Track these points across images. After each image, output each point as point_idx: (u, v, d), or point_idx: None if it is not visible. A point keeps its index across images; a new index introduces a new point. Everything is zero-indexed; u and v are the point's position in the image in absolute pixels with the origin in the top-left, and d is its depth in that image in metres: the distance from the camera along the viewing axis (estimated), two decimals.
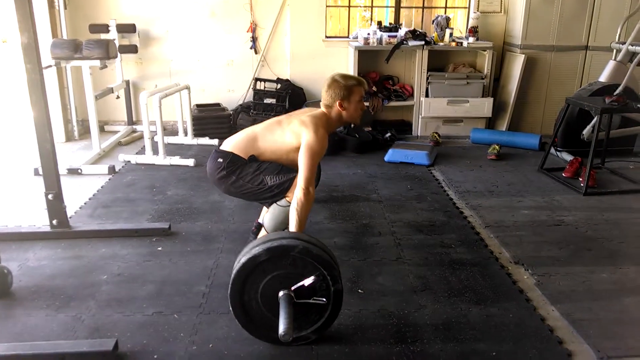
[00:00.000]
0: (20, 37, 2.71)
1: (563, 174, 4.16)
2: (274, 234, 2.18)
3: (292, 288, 2.03)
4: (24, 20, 2.69)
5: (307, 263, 2.03)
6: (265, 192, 2.54)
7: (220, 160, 2.59)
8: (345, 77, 2.67)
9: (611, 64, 4.55)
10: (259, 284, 2.04)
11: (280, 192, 2.52)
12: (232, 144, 2.64)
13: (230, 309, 2.08)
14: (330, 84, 2.64)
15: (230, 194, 2.73)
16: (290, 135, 2.54)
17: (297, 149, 2.47)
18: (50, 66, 4.35)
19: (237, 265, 2.06)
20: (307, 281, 2.02)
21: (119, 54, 4.97)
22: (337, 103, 2.62)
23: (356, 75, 5.07)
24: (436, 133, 5.21)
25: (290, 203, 2.43)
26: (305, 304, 2.06)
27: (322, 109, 2.69)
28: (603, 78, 4.57)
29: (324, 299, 2.07)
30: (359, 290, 2.54)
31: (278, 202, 2.55)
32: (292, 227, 2.30)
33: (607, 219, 3.43)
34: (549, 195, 3.82)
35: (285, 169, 2.56)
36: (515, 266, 2.81)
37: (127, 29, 5.15)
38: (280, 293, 2.03)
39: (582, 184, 3.87)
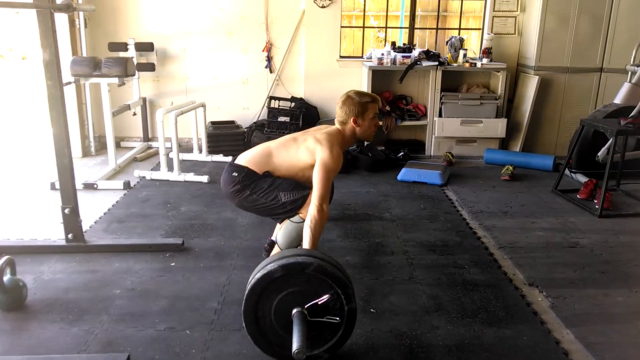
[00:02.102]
0: (42, 54, 2.78)
1: (578, 196, 4.13)
2: (289, 251, 2.18)
3: (306, 306, 2.03)
4: (46, 38, 2.76)
5: (322, 281, 2.02)
6: (279, 208, 2.55)
7: (235, 174, 2.61)
8: (359, 94, 2.69)
9: (626, 86, 4.54)
10: (273, 300, 2.04)
11: (294, 208, 2.53)
12: (247, 158, 2.66)
13: (244, 324, 2.07)
14: (344, 101, 2.66)
15: (242, 209, 2.74)
16: (305, 152, 2.56)
17: (312, 166, 2.49)
18: (69, 83, 4.44)
19: (251, 280, 2.06)
20: (321, 300, 2.02)
21: (136, 72, 5.06)
22: (352, 120, 2.64)
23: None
24: (449, 153, 5.20)
25: (303, 220, 2.44)
26: (319, 323, 2.05)
27: (337, 125, 2.71)
28: (618, 100, 4.55)
29: (338, 318, 2.06)
30: (371, 310, 2.53)
31: (291, 219, 2.56)
32: (306, 244, 2.30)
33: (622, 242, 3.39)
34: (563, 217, 3.79)
35: (300, 185, 2.57)
36: (530, 288, 2.79)
37: (145, 47, 5.25)
38: (294, 310, 2.03)
39: (597, 206, 3.84)
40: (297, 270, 2.02)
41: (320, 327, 2.08)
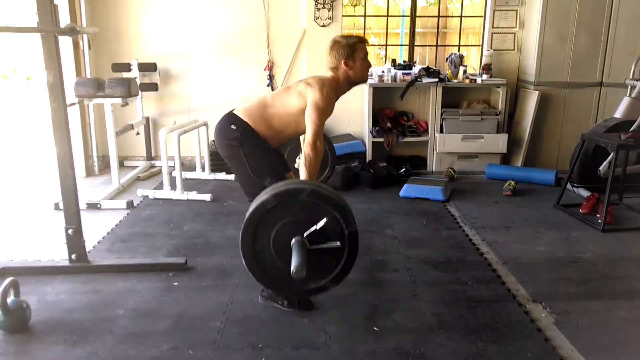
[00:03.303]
0: (47, 76, 2.82)
1: (580, 210, 4.13)
2: (280, 183, 2.15)
3: (305, 234, 1.98)
4: (50, 61, 2.80)
5: (318, 206, 1.97)
6: (257, 187, 2.49)
7: (234, 127, 2.60)
8: (346, 37, 2.71)
9: (626, 101, 4.56)
10: (270, 232, 1.99)
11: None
12: (247, 111, 2.66)
13: (243, 262, 2.02)
14: (332, 46, 2.65)
15: (226, 161, 2.74)
16: (297, 96, 2.56)
17: (304, 110, 2.49)
18: (73, 104, 4.48)
19: (246, 215, 2.02)
20: (319, 224, 1.96)
21: (140, 92, 5.11)
22: (342, 63, 2.62)
23: (371, 110, 5.17)
24: (451, 168, 5.22)
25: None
26: (321, 253, 1.99)
27: (329, 73, 2.69)
28: (618, 114, 4.57)
29: (339, 242, 2.00)
30: (375, 328, 2.52)
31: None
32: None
33: (625, 256, 3.38)
34: (566, 232, 3.78)
35: (287, 175, 2.60)
36: (533, 304, 2.78)
37: (148, 67, 5.31)
38: (293, 240, 1.98)
39: (599, 221, 3.84)
40: (290, 197, 1.96)
41: (322, 257, 2.02)
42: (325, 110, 2.49)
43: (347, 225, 2.00)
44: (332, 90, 2.59)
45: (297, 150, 2.66)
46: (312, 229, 1.97)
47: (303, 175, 2.34)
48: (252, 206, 2.02)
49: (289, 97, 2.62)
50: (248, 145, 2.59)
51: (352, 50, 2.62)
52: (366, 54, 2.69)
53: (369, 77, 2.77)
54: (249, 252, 2.00)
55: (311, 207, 1.98)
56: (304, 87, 2.57)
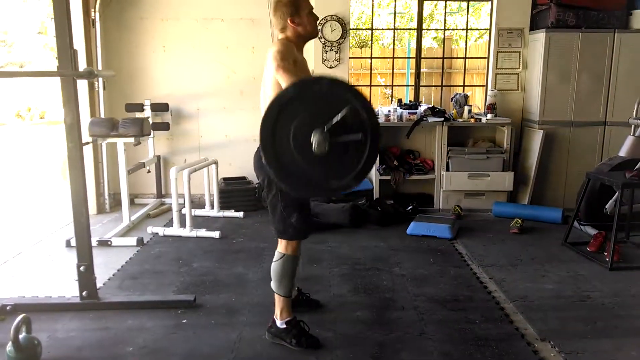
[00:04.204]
0: (64, 118, 2.92)
1: (587, 248, 4.13)
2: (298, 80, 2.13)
3: (325, 128, 1.92)
4: (68, 103, 2.91)
5: (338, 96, 1.92)
6: (283, 222, 2.60)
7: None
8: None
9: (630, 139, 4.61)
10: (289, 127, 1.94)
11: (283, 227, 2.61)
12: None
13: (264, 159, 1.99)
14: (275, 7, 2.61)
15: (263, 187, 2.75)
16: (266, 72, 2.53)
17: (277, 82, 2.41)
18: (88, 143, 4.59)
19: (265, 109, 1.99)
20: (340, 114, 1.91)
21: (152, 131, 5.23)
22: (289, 21, 2.58)
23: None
24: (458, 206, 5.25)
25: (281, 254, 2.60)
26: (342, 148, 1.95)
27: (279, 36, 2.65)
28: (623, 153, 4.62)
29: (360, 135, 1.95)
30: None
31: (274, 259, 2.67)
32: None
33: (633, 294, 3.37)
34: (574, 270, 3.78)
35: (311, 219, 2.65)
36: (542, 343, 2.77)
37: (160, 107, 5.46)
38: (314, 131, 1.93)
39: (607, 259, 3.84)
40: (305, 87, 1.94)
41: (344, 153, 1.97)
42: (285, 52, 2.41)
43: (370, 116, 1.93)
44: (286, 46, 2.53)
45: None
46: (334, 120, 1.90)
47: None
48: (270, 101, 1.97)
49: (265, 79, 2.57)
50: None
51: (296, 7, 2.59)
52: (311, 8, 2.64)
53: (318, 31, 2.72)
54: (270, 147, 1.93)
55: (331, 96, 1.92)
56: (267, 62, 2.52)
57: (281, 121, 1.92)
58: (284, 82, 2.27)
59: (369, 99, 1.99)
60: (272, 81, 2.47)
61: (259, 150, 2.58)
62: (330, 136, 1.91)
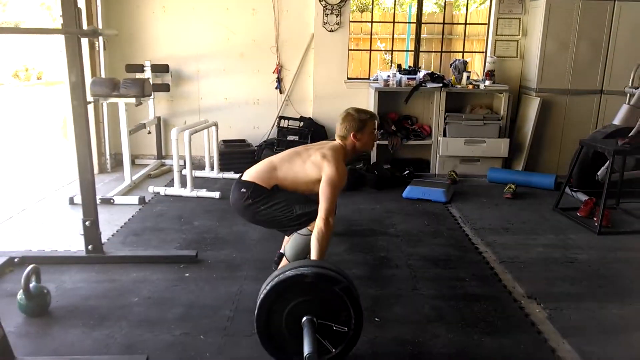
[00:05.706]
0: (69, 76, 2.96)
1: (578, 214, 4.25)
2: (323, 262, 2.33)
3: (319, 320, 2.12)
4: (73, 61, 2.93)
5: (342, 301, 2.12)
6: (293, 220, 2.69)
7: (244, 190, 2.76)
8: (358, 111, 2.87)
9: (625, 108, 4.68)
10: (289, 304, 2.12)
11: (306, 221, 2.67)
12: (253, 174, 2.81)
13: (255, 323, 2.15)
14: (344, 118, 2.84)
15: (255, 222, 2.88)
16: (312, 167, 2.71)
17: (318, 180, 2.64)
18: (89, 102, 4.63)
19: (273, 279, 2.15)
20: (337, 327, 2.13)
21: (152, 92, 5.26)
22: (352, 135, 2.81)
23: (376, 113, 5.30)
24: (453, 172, 5.35)
25: (311, 232, 2.58)
26: (325, 329, 2.14)
27: (337, 140, 2.87)
28: (617, 121, 4.69)
29: (345, 328, 2.15)
30: (376, 319, 2.65)
31: (299, 231, 2.70)
32: (314, 254, 2.44)
33: (619, 258, 3.50)
34: (563, 234, 3.91)
35: (311, 200, 2.71)
36: (528, 300, 2.90)
37: (160, 69, 5.47)
38: (305, 318, 2.12)
39: (596, 224, 3.96)
40: (326, 281, 2.12)
41: (326, 335, 2.16)
42: (340, 186, 2.66)
43: (357, 321, 2.16)
44: (343, 162, 2.77)
45: None
46: (329, 323, 2.13)
47: (315, 250, 2.45)
48: (290, 271, 2.14)
49: (304, 166, 2.75)
50: (263, 197, 2.73)
51: (363, 125, 2.82)
52: (374, 129, 2.92)
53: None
54: (264, 312, 2.13)
55: (336, 297, 2.13)
56: (320, 160, 2.69)
57: (289, 293, 2.12)
58: (324, 203, 2.55)
59: (362, 312, 2.19)
60: (314, 175, 2.69)
61: (238, 189, 2.79)
62: (317, 318, 2.12)
